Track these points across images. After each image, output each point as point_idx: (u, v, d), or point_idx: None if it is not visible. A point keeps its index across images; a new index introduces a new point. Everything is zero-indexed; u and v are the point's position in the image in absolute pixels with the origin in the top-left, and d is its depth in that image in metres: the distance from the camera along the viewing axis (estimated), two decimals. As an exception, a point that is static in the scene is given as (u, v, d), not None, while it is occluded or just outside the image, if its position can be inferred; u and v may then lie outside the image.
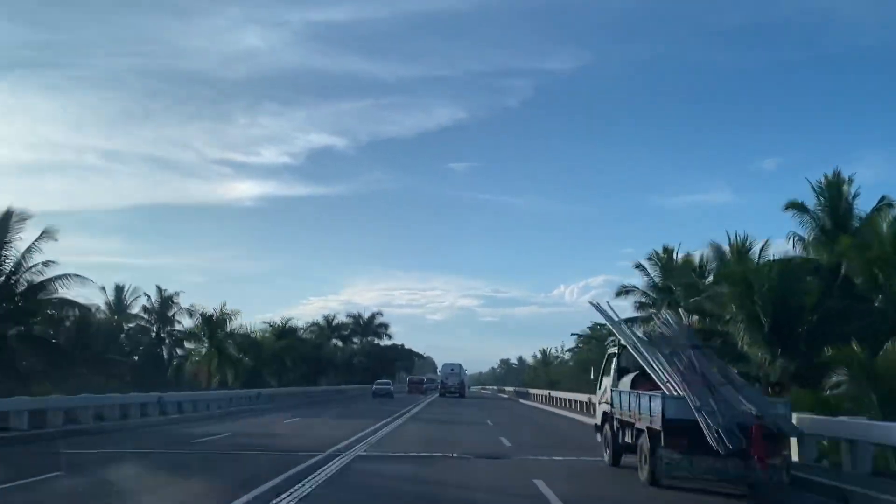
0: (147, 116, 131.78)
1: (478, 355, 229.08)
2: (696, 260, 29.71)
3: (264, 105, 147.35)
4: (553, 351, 74.20)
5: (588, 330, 53.59)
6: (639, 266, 34.38)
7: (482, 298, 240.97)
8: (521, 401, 53.61)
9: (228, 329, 45.86)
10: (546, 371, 68.06)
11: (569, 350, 61.98)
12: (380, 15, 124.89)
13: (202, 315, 43.74)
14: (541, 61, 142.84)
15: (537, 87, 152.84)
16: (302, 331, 63.19)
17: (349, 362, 72.46)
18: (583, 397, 31.04)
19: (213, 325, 43.97)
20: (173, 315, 42.51)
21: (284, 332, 56.91)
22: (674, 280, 30.42)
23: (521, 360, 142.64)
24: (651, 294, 33.43)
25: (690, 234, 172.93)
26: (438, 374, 69.13)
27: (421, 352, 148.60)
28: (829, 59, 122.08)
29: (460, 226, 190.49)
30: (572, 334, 57.88)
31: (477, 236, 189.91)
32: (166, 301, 42.03)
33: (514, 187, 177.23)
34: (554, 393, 45.13)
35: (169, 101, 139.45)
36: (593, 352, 50.04)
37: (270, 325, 57.23)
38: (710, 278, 27.00)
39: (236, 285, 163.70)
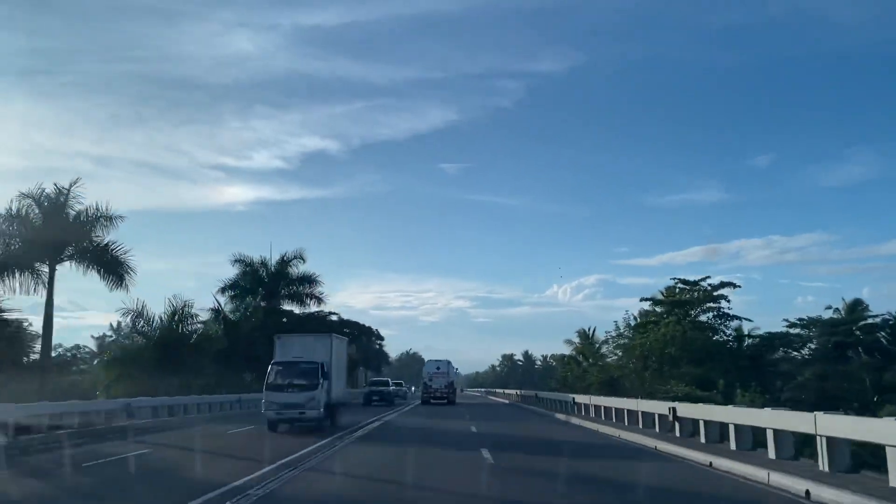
0: (139, 121, 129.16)
1: (473, 356, 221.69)
2: None
3: (256, 109, 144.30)
4: (599, 334, 50.34)
5: (661, 294, 36.51)
6: None
7: (476, 299, 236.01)
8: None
9: None
10: (598, 367, 42.88)
11: (634, 327, 39.83)
12: (370, 18, 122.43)
13: None
14: (533, 62, 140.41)
15: (529, 88, 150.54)
16: None
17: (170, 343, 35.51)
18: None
19: None
20: None
21: None
22: None
23: (527, 355, 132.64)
24: None
25: (682, 234, 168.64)
26: (423, 373, 53.46)
27: (417, 352, 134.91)
28: (820, 56, 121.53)
29: (453, 227, 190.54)
30: (642, 299, 38.76)
31: (470, 237, 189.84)
32: None
33: (507, 188, 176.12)
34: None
35: (161, 106, 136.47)
36: (682, 325, 34.25)
37: None
38: None
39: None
